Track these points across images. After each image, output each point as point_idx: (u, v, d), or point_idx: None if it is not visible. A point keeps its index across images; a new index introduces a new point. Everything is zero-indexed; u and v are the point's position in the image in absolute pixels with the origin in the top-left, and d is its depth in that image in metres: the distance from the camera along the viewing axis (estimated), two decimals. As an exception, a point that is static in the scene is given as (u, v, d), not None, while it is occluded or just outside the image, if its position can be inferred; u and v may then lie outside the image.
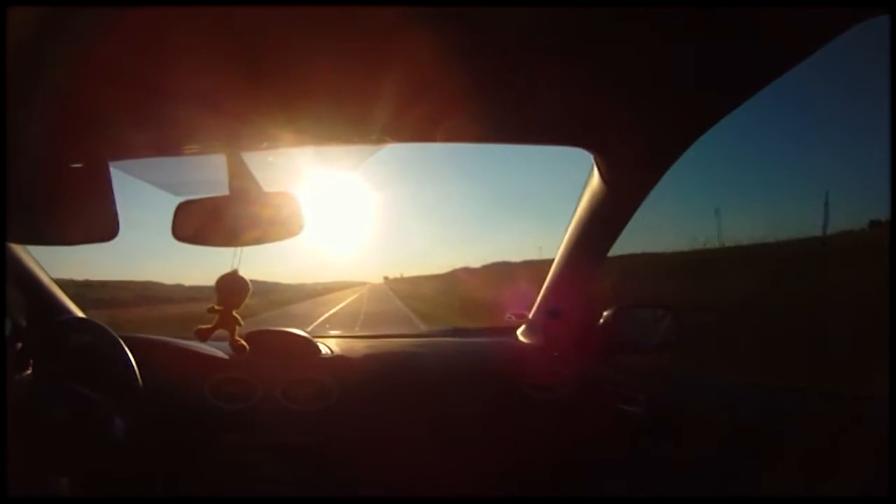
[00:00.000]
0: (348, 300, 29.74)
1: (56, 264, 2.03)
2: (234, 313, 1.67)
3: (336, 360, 1.92)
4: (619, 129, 1.26)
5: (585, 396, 1.79)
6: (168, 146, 1.29)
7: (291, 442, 1.77)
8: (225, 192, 1.24)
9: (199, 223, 1.23)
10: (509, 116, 1.23)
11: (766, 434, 1.21)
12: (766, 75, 0.99)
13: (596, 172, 1.46)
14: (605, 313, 1.74)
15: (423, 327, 9.95)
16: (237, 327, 1.72)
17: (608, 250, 1.71)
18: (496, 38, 0.87)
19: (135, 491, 1.68)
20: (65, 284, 1.96)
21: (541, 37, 0.88)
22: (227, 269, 1.58)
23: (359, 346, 2.04)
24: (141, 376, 1.56)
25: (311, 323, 13.13)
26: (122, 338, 1.60)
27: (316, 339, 1.96)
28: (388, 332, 2.42)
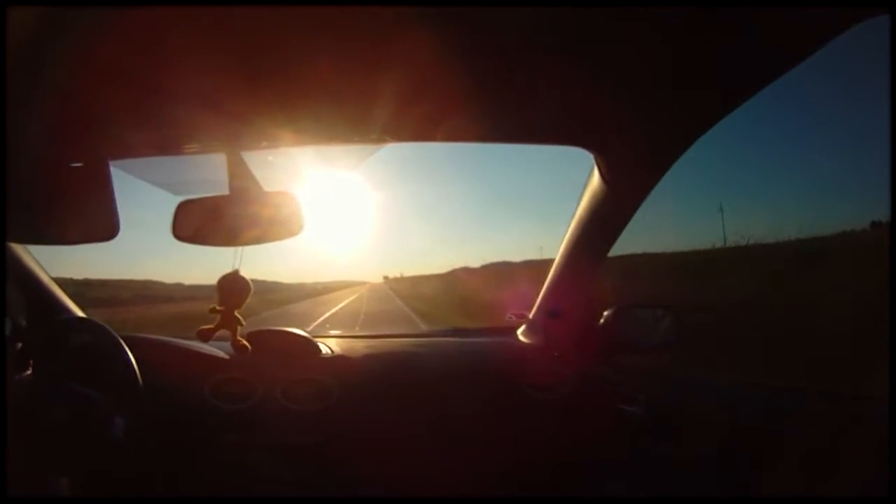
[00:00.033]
0: (348, 300, 29.75)
1: (55, 263, 2.03)
2: (236, 313, 1.67)
3: (336, 360, 1.92)
4: (620, 129, 1.26)
5: (585, 396, 1.79)
6: (168, 145, 1.29)
7: (291, 442, 1.77)
8: (225, 191, 1.24)
9: (199, 223, 1.23)
10: (509, 116, 1.22)
11: (766, 434, 1.21)
12: (767, 75, 0.99)
13: (596, 172, 1.46)
14: (605, 313, 1.74)
15: (424, 327, 9.95)
16: (239, 327, 1.72)
17: (608, 250, 1.71)
18: (496, 38, 0.87)
19: (135, 491, 1.68)
20: (64, 283, 1.96)
21: (541, 37, 0.88)
22: (227, 269, 1.58)
23: (359, 346, 2.04)
24: (141, 376, 1.56)
25: (311, 323, 13.15)
26: (122, 337, 1.60)
27: (316, 339, 1.96)
28: (388, 332, 2.42)
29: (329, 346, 1.97)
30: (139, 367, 1.56)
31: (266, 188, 1.27)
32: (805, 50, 0.90)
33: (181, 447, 1.74)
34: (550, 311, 1.92)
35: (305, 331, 1.98)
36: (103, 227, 1.19)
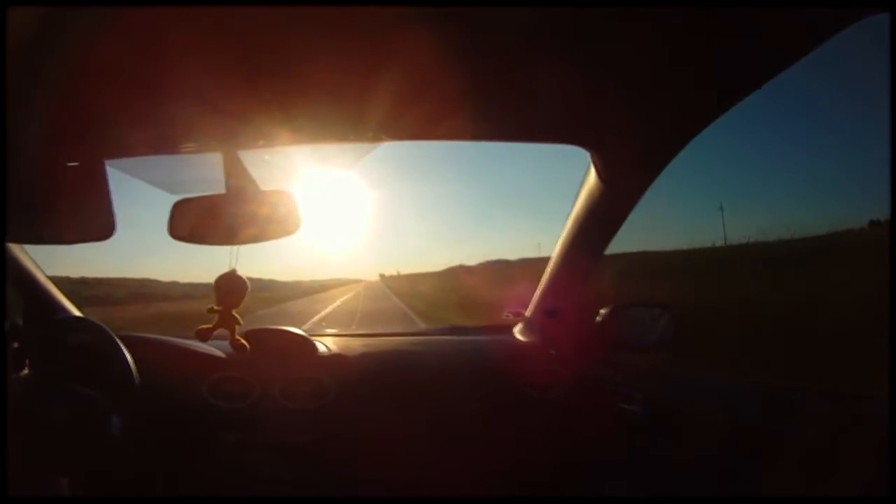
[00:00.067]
0: (344, 298, 29.69)
1: (52, 261, 2.02)
2: (234, 312, 1.66)
3: (333, 359, 1.92)
4: (616, 128, 1.26)
5: (583, 395, 1.79)
6: (165, 144, 1.29)
7: (290, 440, 1.77)
8: (221, 190, 1.23)
9: (195, 222, 1.23)
10: (506, 115, 1.23)
11: (766, 434, 1.21)
12: (764, 74, 0.99)
13: (593, 171, 1.46)
14: (601, 311, 1.74)
15: (424, 326, 9.95)
16: (237, 326, 1.71)
17: (605, 249, 1.72)
18: (494, 38, 0.87)
19: (134, 491, 1.68)
20: (60, 282, 1.95)
21: (539, 36, 0.87)
22: (223, 267, 1.57)
23: (356, 345, 2.04)
24: (139, 375, 1.55)
25: (307, 321, 13.12)
26: (119, 336, 1.59)
27: (313, 338, 1.96)
28: (385, 331, 2.41)
29: (326, 344, 1.97)
30: (137, 367, 1.56)
31: (263, 187, 1.26)
32: (804, 48, 0.90)
33: (179, 446, 1.74)
34: (547, 309, 1.92)
35: (302, 329, 1.97)
36: (100, 226, 1.19)
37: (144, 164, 1.38)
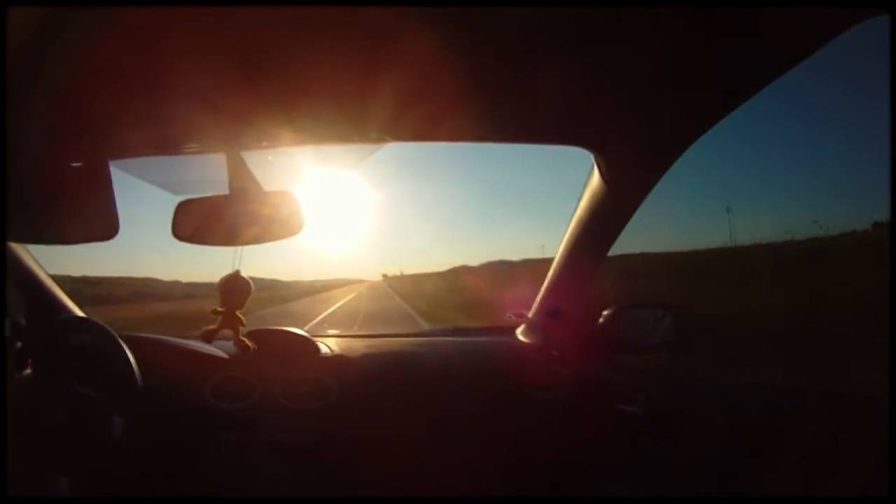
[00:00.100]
0: (347, 298, 29.64)
1: (54, 260, 2.03)
2: (238, 313, 1.67)
3: (335, 359, 1.92)
4: (620, 129, 1.26)
5: (585, 396, 1.79)
6: (168, 145, 1.29)
7: (291, 441, 1.77)
8: (225, 191, 1.23)
9: (198, 222, 1.23)
10: (509, 116, 1.22)
11: (766, 434, 1.22)
12: (767, 75, 0.99)
13: (596, 172, 1.46)
14: (604, 313, 1.74)
15: (425, 325, 9.93)
16: (241, 327, 1.71)
17: (608, 250, 1.71)
18: (496, 38, 0.87)
19: (134, 491, 1.68)
20: (62, 280, 1.95)
21: (540, 36, 0.87)
22: (225, 267, 1.57)
23: (358, 346, 2.04)
24: (140, 375, 1.55)
25: (310, 322, 13.10)
26: (121, 337, 1.60)
27: (315, 338, 1.96)
28: (387, 332, 2.42)
29: (328, 345, 1.97)
30: (138, 367, 1.56)
31: (266, 188, 1.26)
32: (805, 50, 0.90)
33: (181, 446, 1.74)
34: (550, 310, 1.92)
35: (304, 329, 1.98)
36: (103, 226, 1.19)
37: (148, 165, 1.39)
